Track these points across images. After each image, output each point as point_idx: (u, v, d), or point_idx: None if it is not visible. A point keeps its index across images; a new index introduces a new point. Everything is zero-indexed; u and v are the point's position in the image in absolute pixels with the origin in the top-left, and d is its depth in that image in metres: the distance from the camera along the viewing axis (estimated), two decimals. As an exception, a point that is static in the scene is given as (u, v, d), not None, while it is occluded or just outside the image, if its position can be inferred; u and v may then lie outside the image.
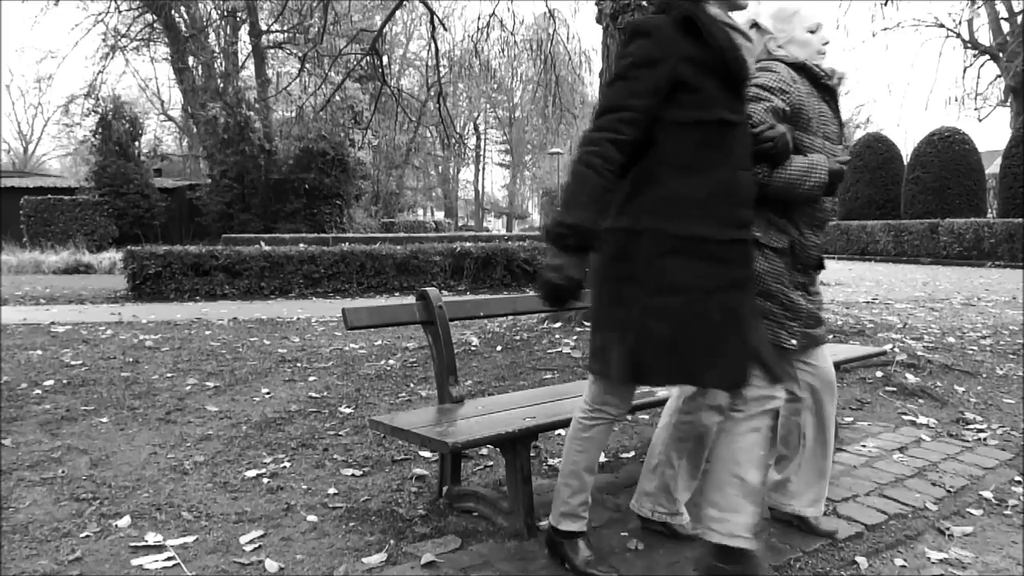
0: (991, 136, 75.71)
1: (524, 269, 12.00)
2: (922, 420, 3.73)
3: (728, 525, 1.94)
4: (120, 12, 24.23)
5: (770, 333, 2.13)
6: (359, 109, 23.52)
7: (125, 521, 2.51)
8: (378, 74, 12.67)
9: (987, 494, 2.77)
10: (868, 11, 41.80)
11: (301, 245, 12.13)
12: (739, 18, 2.08)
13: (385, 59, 20.10)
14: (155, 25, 25.34)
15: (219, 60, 26.80)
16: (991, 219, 19.45)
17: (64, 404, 4.11)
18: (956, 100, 37.75)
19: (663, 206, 1.87)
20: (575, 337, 5.44)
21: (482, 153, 50.27)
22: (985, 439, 3.43)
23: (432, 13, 10.84)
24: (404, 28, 35.52)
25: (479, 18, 22.82)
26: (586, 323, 5.79)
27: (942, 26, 27.68)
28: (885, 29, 34.47)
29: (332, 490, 2.81)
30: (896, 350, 4.96)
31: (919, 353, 4.89)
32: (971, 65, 27.72)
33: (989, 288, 11.18)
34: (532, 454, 3.08)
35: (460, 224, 46.55)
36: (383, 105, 17.15)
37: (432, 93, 12.81)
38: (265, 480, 2.92)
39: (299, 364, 5.27)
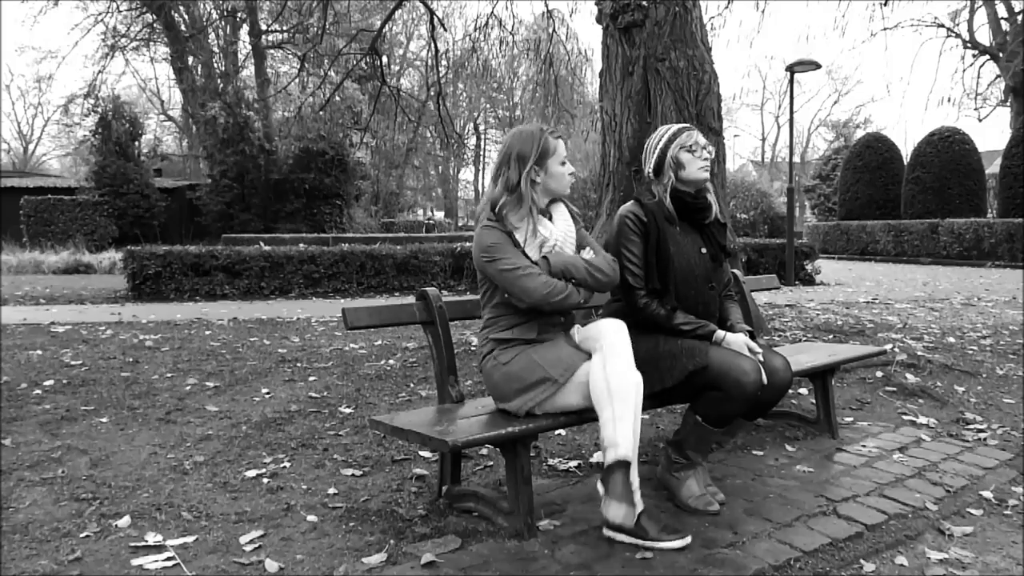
0: (991, 136, 75.75)
1: (524, 269, 11.97)
2: (922, 420, 3.73)
3: None
4: (120, 12, 24.23)
5: None
6: (358, 109, 23.52)
7: (125, 521, 2.51)
8: (378, 74, 12.67)
9: (987, 494, 2.76)
10: (866, 10, 41.81)
11: (301, 245, 12.12)
12: None
13: (385, 59, 20.13)
14: (155, 25, 25.32)
15: (219, 60, 26.80)
16: (991, 219, 19.45)
17: (64, 404, 4.11)
18: (949, 100, 37.82)
19: None
20: (575, 337, 5.43)
21: (482, 153, 50.25)
22: (985, 439, 3.43)
23: (432, 13, 10.84)
24: (404, 28, 35.46)
25: (478, 18, 22.85)
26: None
27: (941, 26, 27.69)
28: (885, 29, 34.61)
29: (332, 490, 2.81)
30: (896, 350, 4.96)
31: (919, 353, 4.89)
32: (971, 66, 27.75)
33: (989, 288, 11.18)
34: (532, 454, 3.08)
35: (460, 224, 46.47)
36: (383, 105, 17.15)
37: (432, 93, 12.83)
38: (265, 480, 2.92)
39: (299, 364, 5.26)
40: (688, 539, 2.29)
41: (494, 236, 2.49)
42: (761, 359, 2.50)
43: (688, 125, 2.80)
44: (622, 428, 2.28)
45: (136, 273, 10.53)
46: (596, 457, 3.11)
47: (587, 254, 2.57)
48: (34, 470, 3.05)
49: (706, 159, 2.72)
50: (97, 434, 3.56)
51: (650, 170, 2.76)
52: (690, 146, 2.70)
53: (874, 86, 73.50)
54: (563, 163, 2.57)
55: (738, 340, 2.55)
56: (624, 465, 2.29)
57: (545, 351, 2.47)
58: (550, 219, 2.60)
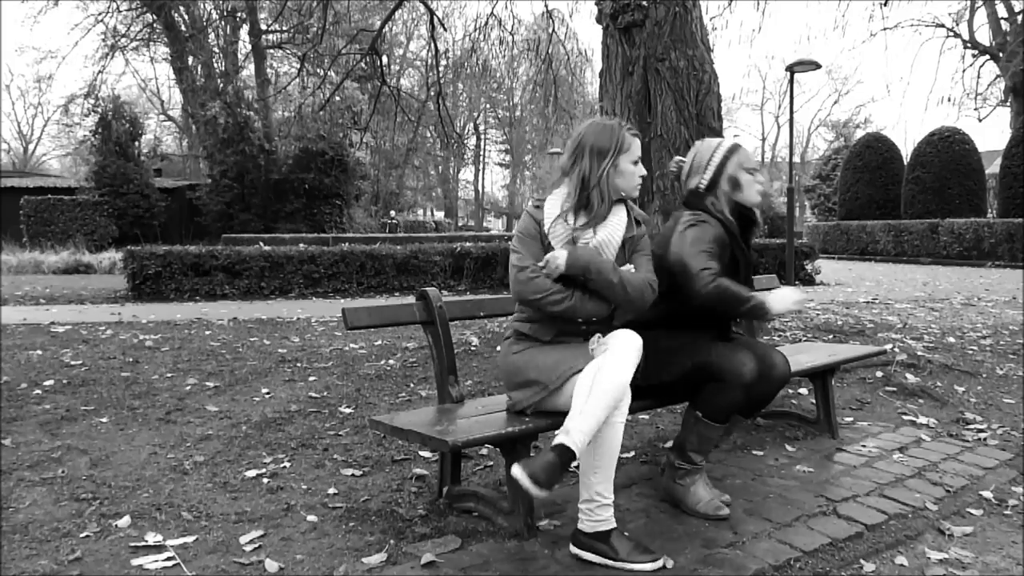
0: (991, 136, 75.75)
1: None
2: (922, 420, 3.73)
3: None
4: (120, 12, 24.25)
5: None
6: (358, 109, 23.54)
7: (125, 521, 2.51)
8: (378, 74, 12.67)
9: (987, 494, 2.76)
10: (866, 11, 41.77)
11: (301, 245, 12.13)
12: None
13: (385, 59, 20.13)
14: (155, 25, 25.35)
15: (219, 60, 26.81)
16: (991, 219, 19.46)
17: (64, 404, 4.11)
18: (949, 100, 37.82)
19: None
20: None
21: (482, 153, 50.30)
22: (985, 439, 3.43)
23: (432, 13, 10.85)
24: (404, 28, 35.46)
25: (478, 18, 22.86)
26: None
27: (941, 26, 27.72)
28: (885, 29, 34.55)
29: (332, 490, 2.81)
30: (896, 350, 4.96)
31: (919, 353, 4.88)
32: (971, 66, 27.77)
33: (989, 288, 11.19)
34: (532, 454, 3.08)
35: (460, 224, 46.45)
36: (383, 105, 17.17)
37: (432, 93, 12.83)
38: (265, 480, 2.92)
39: (299, 364, 5.26)
40: (660, 562, 2.14)
41: (523, 224, 2.46)
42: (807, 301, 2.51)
43: (740, 143, 2.72)
44: (584, 422, 2.10)
45: (136, 273, 10.53)
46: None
47: (627, 267, 2.43)
48: (34, 470, 3.04)
49: (761, 182, 2.68)
50: (97, 434, 3.56)
51: (702, 184, 2.67)
52: (749, 168, 2.65)
53: (874, 86, 73.55)
54: (635, 163, 2.43)
55: (784, 292, 2.52)
56: (566, 453, 2.07)
57: (548, 353, 2.39)
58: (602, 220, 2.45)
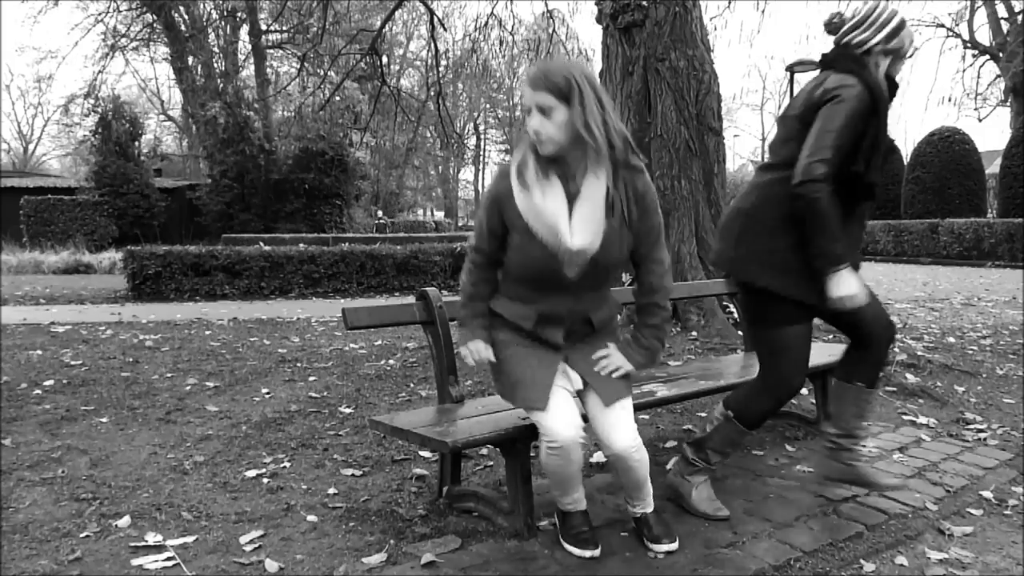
0: (991, 136, 75.86)
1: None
2: (922, 420, 3.73)
3: None
4: (120, 12, 24.26)
5: None
6: (358, 109, 23.53)
7: (125, 521, 2.51)
8: (378, 74, 12.67)
9: (987, 494, 2.76)
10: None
11: (301, 245, 12.12)
12: None
13: (385, 59, 20.13)
14: (155, 25, 25.35)
15: (219, 60, 26.81)
16: (991, 219, 19.46)
17: (64, 404, 4.11)
18: (949, 100, 37.82)
19: None
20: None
21: (482, 153, 50.29)
22: (985, 439, 3.43)
23: (432, 13, 10.85)
24: (404, 28, 35.51)
25: (478, 18, 22.87)
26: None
27: (941, 26, 27.73)
28: (885, 29, 34.44)
29: (332, 490, 2.81)
30: (896, 350, 4.96)
31: (919, 353, 4.89)
32: (971, 66, 27.79)
33: (989, 288, 11.18)
34: (532, 454, 3.08)
35: (460, 224, 46.42)
36: (383, 105, 17.19)
37: (432, 93, 12.83)
38: (265, 480, 2.92)
39: (299, 364, 5.27)
40: (590, 553, 2.20)
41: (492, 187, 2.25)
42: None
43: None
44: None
45: (136, 273, 10.53)
46: (596, 457, 3.10)
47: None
48: (34, 470, 3.04)
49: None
50: (97, 434, 3.56)
51: (880, 41, 2.30)
52: (912, 44, 2.39)
53: (874, 86, 73.33)
54: (529, 111, 2.08)
55: (855, 285, 2.25)
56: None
57: (514, 369, 2.23)
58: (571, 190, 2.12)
